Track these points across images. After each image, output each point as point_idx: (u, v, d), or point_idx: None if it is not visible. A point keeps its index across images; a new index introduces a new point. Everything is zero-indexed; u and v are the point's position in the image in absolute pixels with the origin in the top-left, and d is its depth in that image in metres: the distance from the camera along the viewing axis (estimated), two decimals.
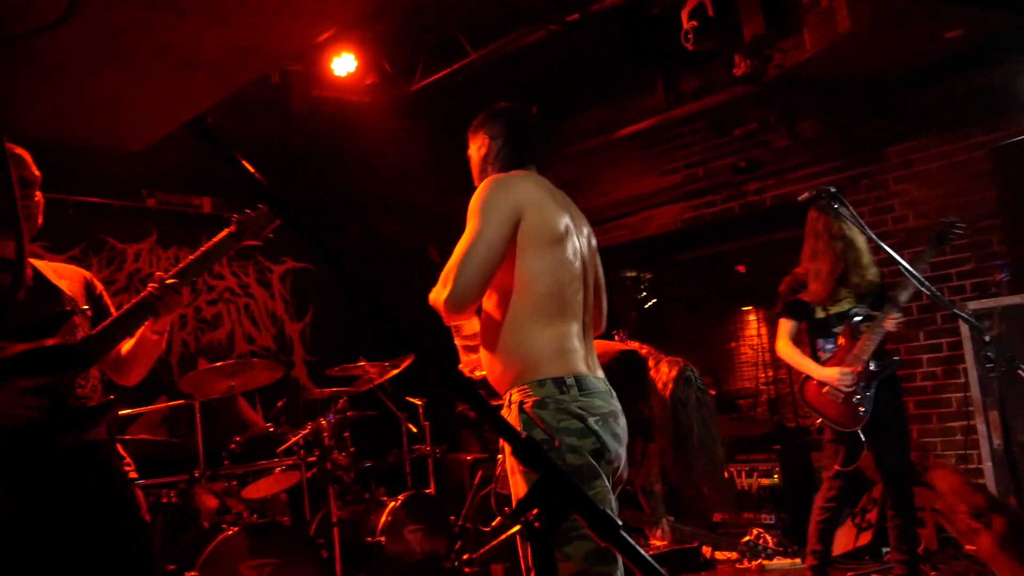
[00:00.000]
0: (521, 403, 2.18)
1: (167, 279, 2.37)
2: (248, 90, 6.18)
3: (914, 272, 3.08)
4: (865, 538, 4.90)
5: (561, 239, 2.28)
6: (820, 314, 4.08)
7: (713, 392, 3.69)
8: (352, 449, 4.86)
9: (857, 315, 3.97)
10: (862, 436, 3.91)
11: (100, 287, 2.61)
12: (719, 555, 5.44)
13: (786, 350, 4.15)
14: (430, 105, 6.69)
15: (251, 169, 0.94)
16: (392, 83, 6.50)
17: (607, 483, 2.17)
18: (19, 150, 2.35)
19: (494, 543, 1.32)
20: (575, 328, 2.30)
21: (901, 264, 3.10)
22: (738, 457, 5.70)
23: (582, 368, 2.24)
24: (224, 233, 2.55)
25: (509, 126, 2.49)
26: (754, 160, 6.14)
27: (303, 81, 6.16)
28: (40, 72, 0.56)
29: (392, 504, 4.70)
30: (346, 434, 4.83)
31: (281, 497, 4.93)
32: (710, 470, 3.35)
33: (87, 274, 2.62)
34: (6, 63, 0.54)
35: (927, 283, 3.11)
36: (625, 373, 3.45)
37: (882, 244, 3.37)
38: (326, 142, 6.75)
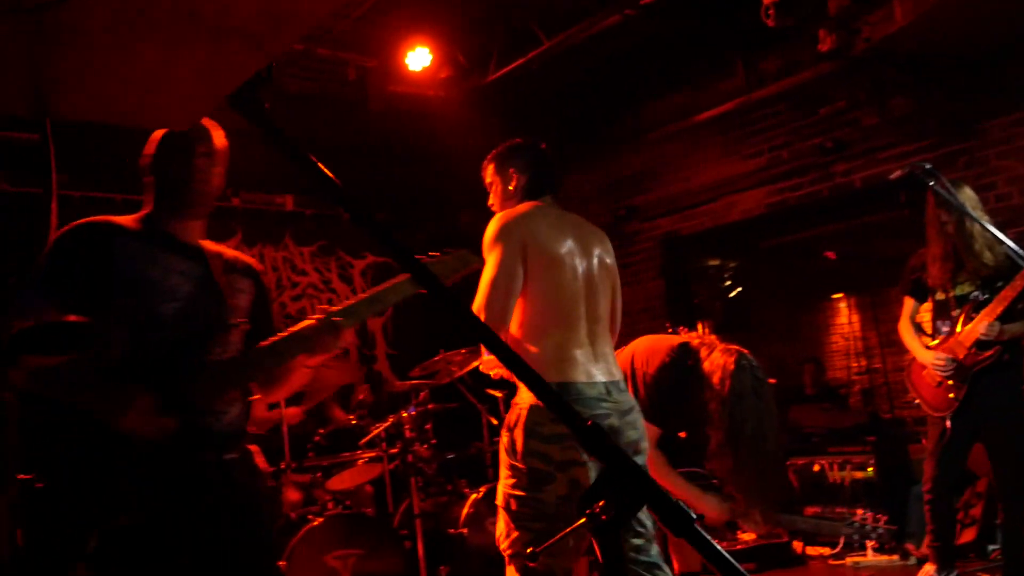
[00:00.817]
0: (518, 404, 2.58)
1: (332, 315, 2.13)
2: (326, 89, 6.29)
3: (1020, 252, 2.92)
4: (969, 534, 4.65)
5: (561, 261, 2.64)
6: (940, 296, 4.05)
7: (773, 380, 3.53)
8: (434, 441, 4.89)
9: (977, 299, 3.90)
10: (948, 423, 3.92)
11: (267, 289, 2.41)
12: (811, 551, 5.26)
13: (901, 329, 4.20)
14: (506, 96, 6.66)
15: (317, 162, 0.92)
16: (467, 76, 6.50)
17: (563, 491, 2.48)
18: (206, 121, 2.20)
19: (558, 536, 1.27)
20: (578, 337, 2.63)
21: (1006, 244, 2.94)
22: (830, 449, 5.49)
23: (574, 375, 2.54)
24: (405, 275, 2.20)
25: (534, 161, 2.88)
26: (842, 140, 5.89)
27: (379, 78, 6.22)
28: (71, 46, 0.54)
29: (474, 496, 4.70)
30: (428, 426, 4.85)
31: (366, 489, 5.00)
32: (756, 465, 3.22)
33: (258, 268, 2.41)
34: (36, 37, 0.52)
35: None
36: (677, 368, 3.40)
37: (981, 222, 3.18)
38: (403, 137, 6.81)
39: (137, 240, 2.12)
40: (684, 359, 3.44)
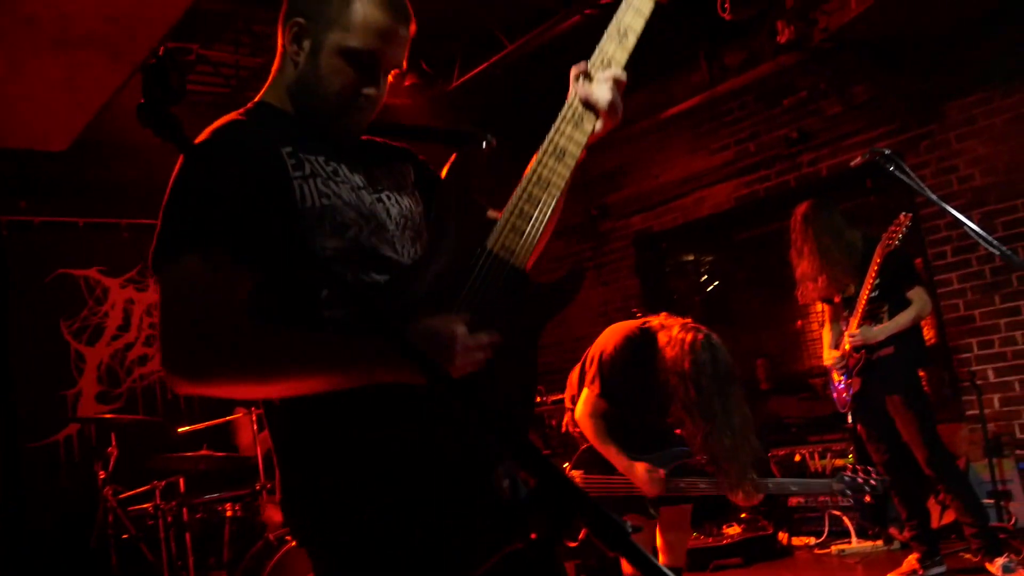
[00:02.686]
0: None
1: (590, 71, 1.63)
2: None
3: (982, 233, 2.93)
4: (950, 516, 4.66)
5: None
6: (836, 299, 4.34)
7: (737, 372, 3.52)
8: None
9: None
10: (849, 419, 4.28)
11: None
12: (796, 541, 5.26)
13: (823, 333, 4.56)
14: (472, 101, 6.63)
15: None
16: (431, 83, 6.46)
17: None
18: None
19: (493, 560, 1.15)
20: None
21: (968, 226, 2.95)
22: (810, 438, 5.50)
23: None
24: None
25: None
26: (806, 130, 5.91)
27: None
28: None
29: None
30: None
31: None
32: (730, 441, 3.21)
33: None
34: None
35: (997, 243, 2.94)
36: (633, 350, 3.40)
37: (946, 206, 3.18)
38: None
39: (303, 147, 1.46)
40: (642, 341, 3.43)
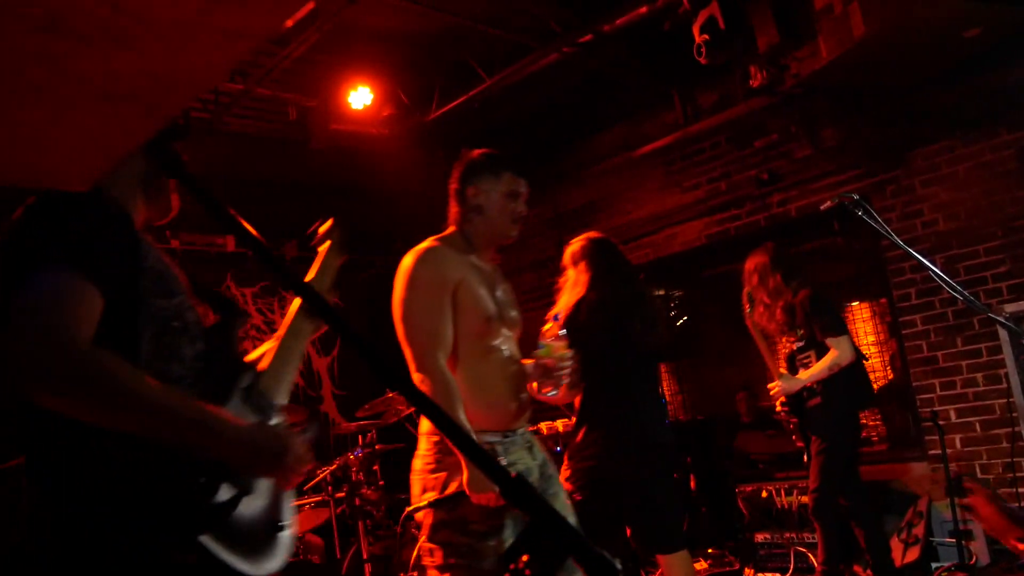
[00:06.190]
0: None
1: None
2: (266, 128, 6.25)
3: (945, 277, 3.02)
4: (913, 554, 4.73)
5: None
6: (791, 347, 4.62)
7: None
8: (382, 483, 4.81)
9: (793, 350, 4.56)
10: (805, 458, 4.43)
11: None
12: None
13: None
14: (448, 132, 6.69)
15: (232, 211, 0.91)
16: (409, 113, 6.52)
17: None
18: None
19: None
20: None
21: (931, 270, 3.04)
22: (777, 475, 5.55)
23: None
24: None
25: None
26: (776, 172, 6.04)
27: (320, 116, 6.19)
28: None
29: None
30: (375, 468, 4.77)
31: (312, 535, 4.88)
32: None
33: None
34: None
35: (959, 288, 3.02)
36: None
37: (910, 250, 3.28)
38: (346, 175, 6.78)
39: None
40: None
